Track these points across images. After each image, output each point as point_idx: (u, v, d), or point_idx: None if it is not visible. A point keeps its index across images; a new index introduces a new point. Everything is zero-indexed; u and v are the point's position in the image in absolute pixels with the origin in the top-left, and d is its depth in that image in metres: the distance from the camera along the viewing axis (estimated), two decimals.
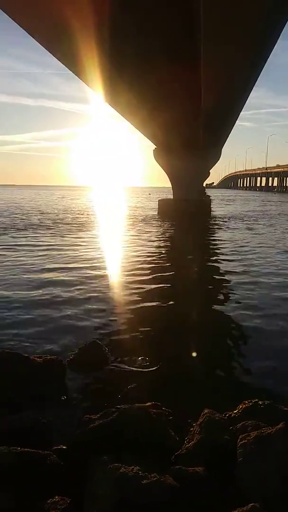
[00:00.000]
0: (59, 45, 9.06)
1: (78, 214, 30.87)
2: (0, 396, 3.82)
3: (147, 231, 19.97)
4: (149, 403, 3.37)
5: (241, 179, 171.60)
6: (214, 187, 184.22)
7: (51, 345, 5.46)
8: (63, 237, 16.87)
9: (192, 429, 3.17)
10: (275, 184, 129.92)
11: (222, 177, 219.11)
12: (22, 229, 19.59)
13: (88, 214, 30.87)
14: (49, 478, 2.76)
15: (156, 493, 2.22)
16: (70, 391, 4.26)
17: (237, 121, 29.20)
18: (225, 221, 26.19)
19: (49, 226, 21.39)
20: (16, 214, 29.48)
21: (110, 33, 7.92)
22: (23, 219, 25.22)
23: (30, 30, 8.00)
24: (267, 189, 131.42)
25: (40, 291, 7.97)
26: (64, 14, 6.83)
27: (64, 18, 6.94)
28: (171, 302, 7.77)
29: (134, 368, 4.84)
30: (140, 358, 5.08)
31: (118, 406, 3.37)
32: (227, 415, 3.33)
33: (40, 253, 12.64)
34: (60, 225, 21.68)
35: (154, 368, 4.88)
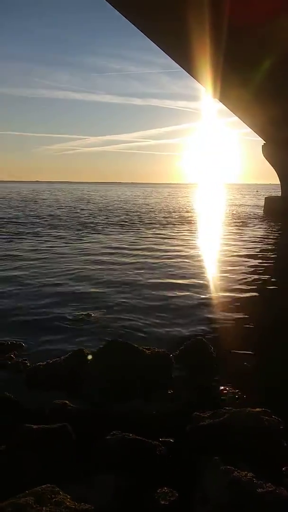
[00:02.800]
0: (175, 44, 9.20)
1: (185, 212, 31.00)
2: (112, 383, 4.03)
3: (252, 231, 19.25)
4: (259, 409, 3.24)
5: None
6: None
7: (158, 339, 5.60)
8: (169, 238, 17.07)
9: None
10: None
11: None
12: (137, 225, 20.52)
13: (194, 213, 30.81)
14: (158, 468, 2.83)
15: (270, 504, 2.12)
16: (176, 385, 4.29)
17: None
18: None
19: (163, 223, 21.89)
20: (134, 211, 30.71)
21: (227, 34, 7.80)
22: (150, 217, 26.05)
23: (147, 31, 8.26)
24: None
25: (150, 290, 8.17)
26: (183, 16, 6.93)
27: (183, 19, 7.04)
28: (279, 306, 7.36)
29: (239, 369, 4.70)
30: (246, 359, 4.92)
31: (227, 408, 3.32)
32: None
33: (152, 254, 13.04)
34: (169, 224, 21.94)
35: (260, 372, 4.68)
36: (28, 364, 4.66)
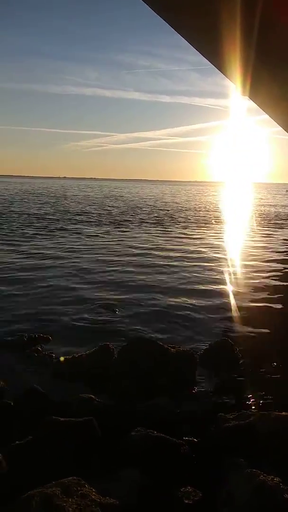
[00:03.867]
0: (204, 37, 9.04)
1: (214, 211, 30.52)
2: (136, 379, 4.05)
3: (281, 232, 18.88)
4: (285, 413, 3.18)
5: None
6: None
7: (182, 338, 5.58)
8: (197, 238, 16.89)
9: None
10: None
11: None
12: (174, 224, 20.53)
13: (223, 212, 30.29)
14: (181, 467, 2.83)
15: None
16: (201, 385, 4.27)
17: None
18: None
19: (192, 222, 21.73)
20: (163, 209, 30.52)
21: (259, 27, 7.55)
22: (179, 215, 25.75)
23: (175, 24, 8.12)
24: None
25: (177, 291, 8.12)
26: (214, 8, 6.81)
27: (213, 12, 6.92)
28: None
29: (265, 372, 4.62)
30: (271, 362, 4.83)
31: (253, 410, 3.27)
32: None
33: (180, 254, 12.99)
34: (198, 223, 21.64)
35: (287, 375, 4.59)
36: (54, 357, 4.75)
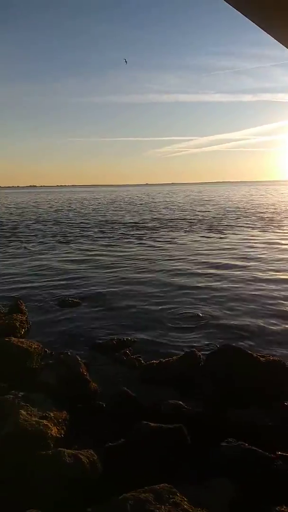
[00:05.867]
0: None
1: None
2: (224, 389, 3.95)
3: None
4: None
5: None
6: None
7: (272, 346, 5.32)
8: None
9: None
10: None
11: None
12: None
13: None
14: (274, 483, 2.68)
15: None
16: None
17: None
18: None
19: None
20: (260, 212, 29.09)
21: None
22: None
23: (263, 24, 7.86)
24: None
25: (267, 297, 7.74)
26: None
27: None
28: None
29: None
30: None
31: None
32: None
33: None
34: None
35: None
36: (142, 361, 4.83)
